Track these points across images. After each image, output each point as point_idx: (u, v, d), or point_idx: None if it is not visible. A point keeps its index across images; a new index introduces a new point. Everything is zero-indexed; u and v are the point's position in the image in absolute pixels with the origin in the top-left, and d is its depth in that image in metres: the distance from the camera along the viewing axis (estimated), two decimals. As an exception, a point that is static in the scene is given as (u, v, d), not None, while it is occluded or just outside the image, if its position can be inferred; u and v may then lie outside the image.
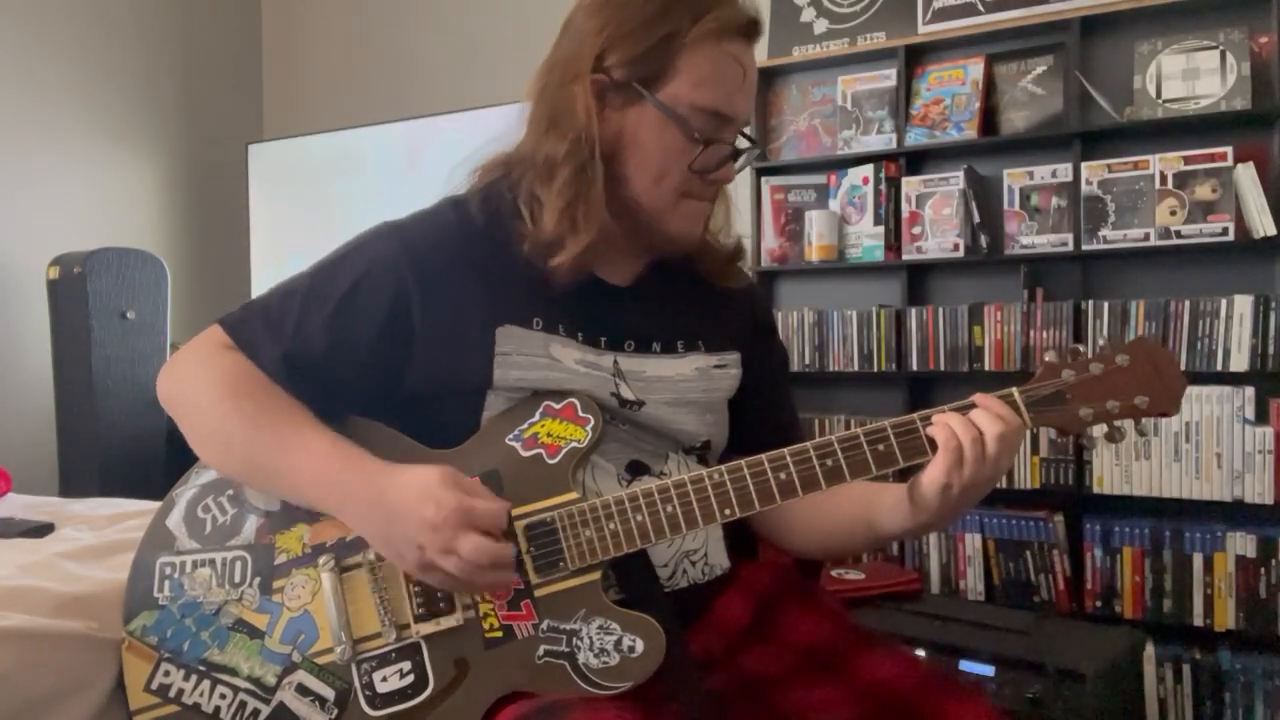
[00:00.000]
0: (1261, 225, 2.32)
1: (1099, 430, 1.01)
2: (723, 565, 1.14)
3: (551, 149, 1.04)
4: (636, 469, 1.08)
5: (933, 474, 0.96)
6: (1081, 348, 1.01)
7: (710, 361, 1.14)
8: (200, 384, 1.04)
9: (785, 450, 0.99)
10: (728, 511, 0.99)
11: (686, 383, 1.12)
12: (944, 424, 0.96)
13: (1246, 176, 2.34)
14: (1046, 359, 1.01)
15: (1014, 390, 1.00)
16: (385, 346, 1.04)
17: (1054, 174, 2.60)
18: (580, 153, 1.02)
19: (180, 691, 1.04)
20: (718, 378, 1.15)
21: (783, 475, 0.99)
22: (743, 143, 1.08)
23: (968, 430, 0.95)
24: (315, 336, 1.04)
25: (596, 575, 1.00)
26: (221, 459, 1.06)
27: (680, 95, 1.02)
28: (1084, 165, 2.53)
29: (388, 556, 0.99)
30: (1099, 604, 2.44)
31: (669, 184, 1.05)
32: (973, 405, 0.98)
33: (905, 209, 2.78)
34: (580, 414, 1.03)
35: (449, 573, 0.93)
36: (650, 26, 1.01)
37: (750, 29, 1.05)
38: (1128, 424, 1.00)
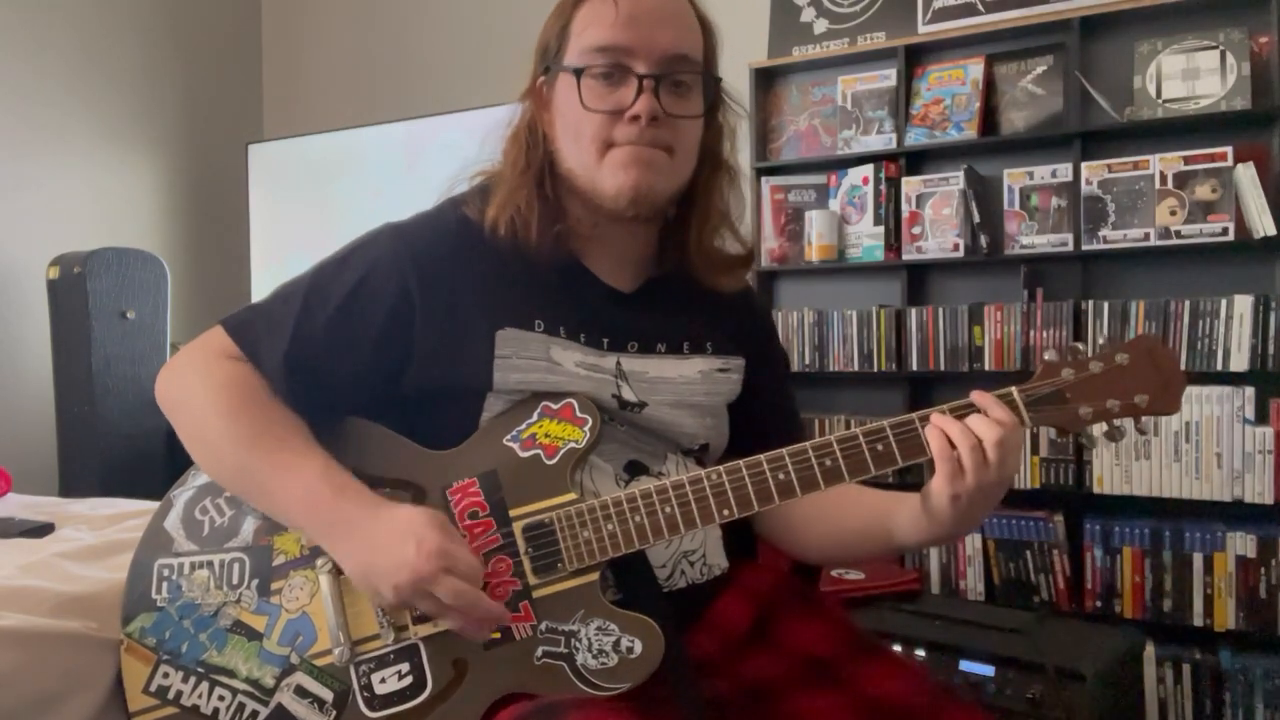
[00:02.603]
0: (1261, 225, 2.31)
1: (1099, 429, 1.00)
2: (721, 566, 1.14)
3: (506, 149, 1.12)
4: (635, 469, 1.08)
5: (937, 485, 0.96)
6: (1081, 346, 1.00)
7: (714, 365, 1.15)
8: (198, 395, 1.04)
9: (784, 450, 0.99)
10: (726, 512, 0.99)
11: (689, 385, 1.12)
12: (940, 433, 0.95)
13: (1246, 176, 2.34)
14: (1046, 358, 1.00)
15: (1013, 389, 0.99)
16: (386, 347, 1.04)
17: (1054, 174, 2.60)
18: (519, 139, 1.09)
19: (179, 693, 1.04)
20: (720, 381, 1.15)
21: (781, 476, 0.99)
22: (639, 67, 1.02)
23: (965, 438, 0.94)
24: (317, 336, 1.04)
25: (595, 576, 1.00)
26: (215, 471, 1.07)
27: (572, 52, 1.06)
28: (1084, 165, 2.53)
29: (364, 590, 0.99)
30: (1099, 604, 2.44)
31: (587, 138, 1.04)
32: (971, 407, 0.98)
33: (905, 209, 2.77)
34: (578, 414, 1.03)
35: (424, 611, 0.95)
36: (557, 14, 1.09)
37: None
38: (1128, 423, 1.00)
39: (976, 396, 0.98)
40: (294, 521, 1.02)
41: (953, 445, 0.94)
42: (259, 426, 1.01)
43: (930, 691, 1.04)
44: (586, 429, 1.02)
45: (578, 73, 1.04)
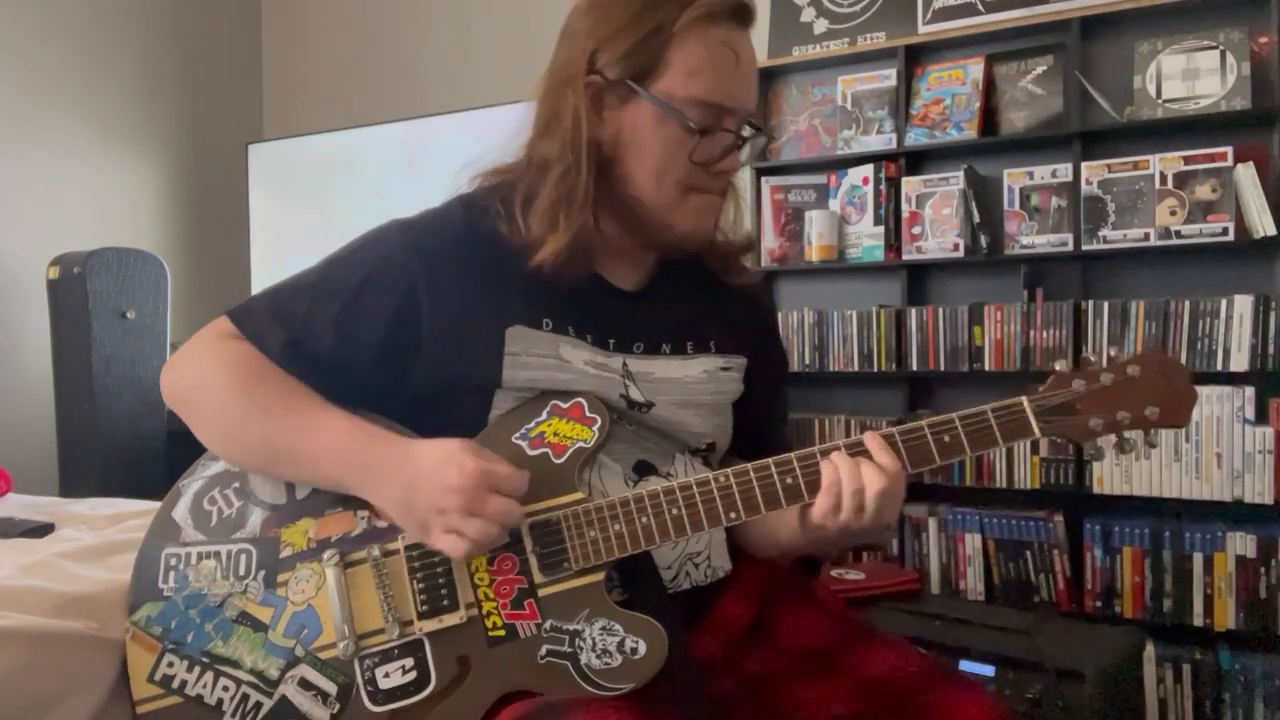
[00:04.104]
0: (1261, 225, 2.32)
1: (1108, 441, 1.00)
2: (725, 568, 1.14)
3: (545, 151, 1.05)
4: (644, 469, 1.08)
5: (813, 512, 0.99)
6: (1093, 357, 1.00)
7: (718, 364, 1.14)
8: (209, 375, 1.04)
9: (791, 455, 0.99)
10: (733, 515, 1.00)
11: (695, 385, 1.11)
12: (833, 466, 0.97)
13: (1246, 176, 2.34)
14: (1057, 368, 1.00)
15: (1023, 399, 0.99)
16: (393, 344, 1.04)
17: (1054, 174, 2.60)
18: (567, 155, 1.02)
19: (184, 683, 1.04)
20: (724, 380, 1.15)
21: (789, 480, 0.99)
22: (737, 125, 1.05)
23: (852, 480, 0.96)
24: (323, 333, 1.04)
25: (600, 576, 1.00)
26: (237, 449, 1.06)
27: (674, 87, 1.01)
28: (1084, 165, 2.53)
29: (407, 527, 0.99)
30: (1099, 604, 2.44)
31: (671, 179, 1.04)
32: (862, 448, 0.98)
33: (905, 209, 2.78)
34: (587, 414, 1.03)
35: (470, 537, 0.94)
36: (638, 21, 1.01)
37: (740, 12, 1.03)
38: (1137, 435, 1.00)
39: (868, 439, 0.98)
40: (328, 476, 1.02)
41: (838, 484, 0.97)
42: (276, 393, 1.02)
43: (927, 670, 1.04)
44: (595, 428, 1.02)
45: (688, 122, 1.01)
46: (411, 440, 0.98)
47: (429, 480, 0.94)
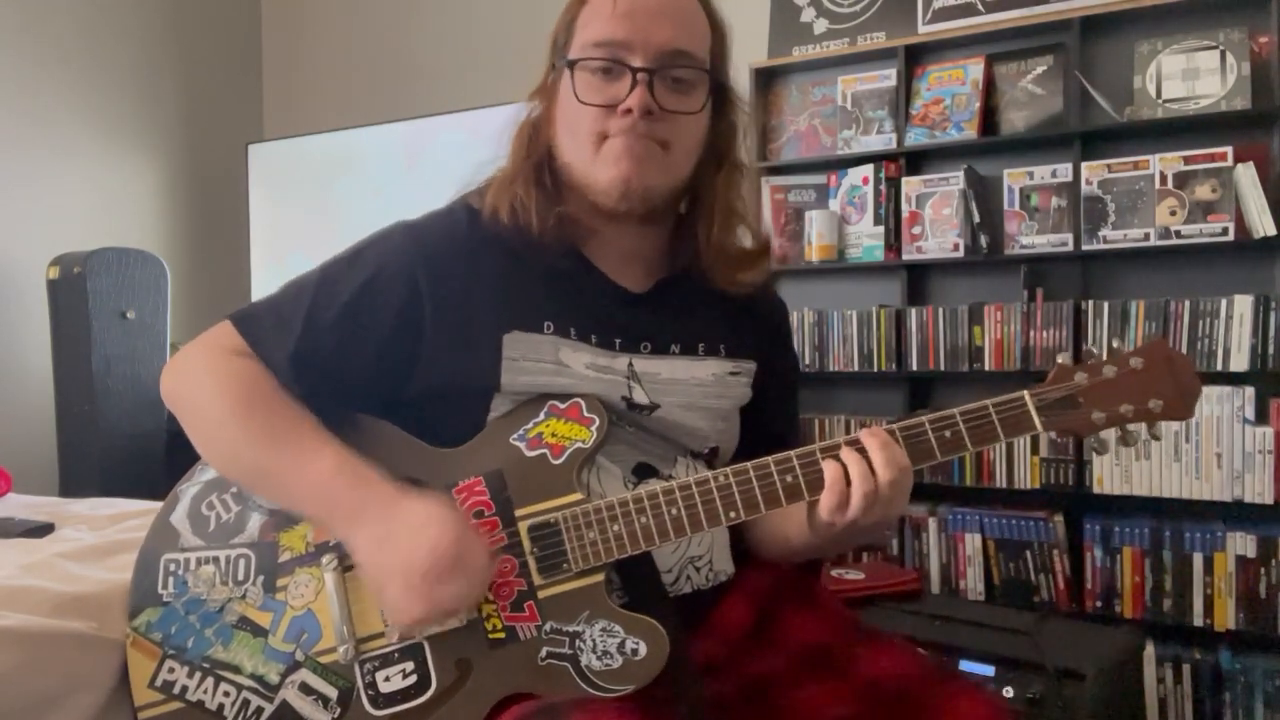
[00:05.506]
0: (1261, 225, 2.32)
1: (1111, 434, 0.99)
2: (727, 572, 1.13)
3: (514, 140, 1.12)
4: (644, 472, 1.07)
5: (819, 509, 0.98)
6: (1095, 350, 0.99)
7: (728, 368, 1.13)
8: (207, 392, 1.03)
9: (791, 453, 0.99)
10: (733, 514, 0.99)
11: (702, 388, 1.11)
12: (837, 463, 0.96)
13: (1246, 176, 2.34)
14: (1060, 361, 0.99)
15: (1025, 394, 0.98)
16: (395, 346, 1.04)
17: (1054, 174, 2.60)
18: (524, 133, 1.10)
19: (185, 688, 1.04)
20: (732, 385, 1.14)
21: (789, 479, 0.98)
22: (635, 60, 1.02)
23: (857, 475, 0.95)
24: (325, 334, 1.04)
25: (600, 577, 0.99)
26: (228, 467, 1.06)
27: (576, 46, 1.06)
28: (1084, 165, 2.53)
29: (370, 580, 0.97)
30: (1099, 604, 2.44)
31: (583, 131, 1.04)
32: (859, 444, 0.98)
33: (905, 209, 2.78)
34: (585, 414, 1.02)
35: (427, 607, 0.94)
36: (566, 11, 1.09)
37: None
38: (1141, 427, 0.99)
39: (870, 435, 0.97)
40: (311, 513, 1.02)
41: (844, 478, 0.96)
42: (272, 422, 1.01)
43: (929, 672, 1.04)
44: (593, 429, 1.02)
45: (572, 65, 1.04)
46: (397, 495, 0.97)
47: (407, 538, 0.94)
